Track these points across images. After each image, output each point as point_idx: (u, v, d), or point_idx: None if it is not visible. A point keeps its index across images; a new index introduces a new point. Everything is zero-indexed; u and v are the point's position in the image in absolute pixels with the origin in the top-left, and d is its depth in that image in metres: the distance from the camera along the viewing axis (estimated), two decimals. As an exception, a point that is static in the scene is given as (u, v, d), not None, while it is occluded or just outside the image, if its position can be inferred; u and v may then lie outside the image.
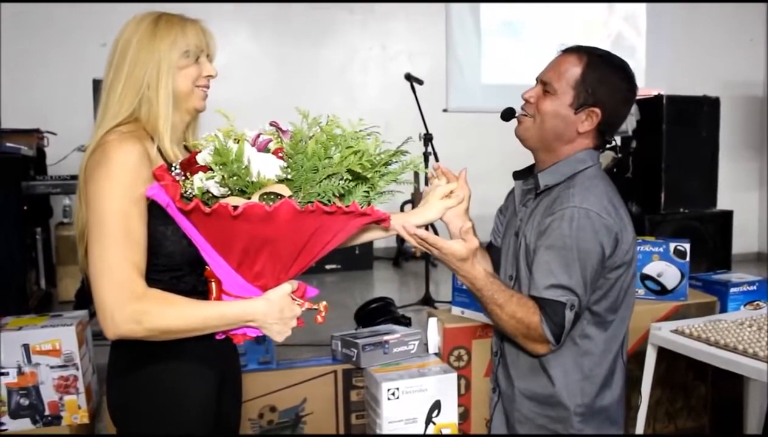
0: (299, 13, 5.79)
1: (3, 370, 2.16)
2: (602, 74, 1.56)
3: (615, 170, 4.57)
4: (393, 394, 1.96)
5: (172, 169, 1.23)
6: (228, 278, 1.24)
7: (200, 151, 1.21)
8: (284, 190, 1.15)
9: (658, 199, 4.44)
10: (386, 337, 2.21)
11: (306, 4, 5.77)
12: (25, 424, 2.20)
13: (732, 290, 2.47)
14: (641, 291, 2.50)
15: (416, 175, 3.98)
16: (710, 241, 4.51)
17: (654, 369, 2.08)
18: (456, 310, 2.44)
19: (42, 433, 2.21)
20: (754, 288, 2.50)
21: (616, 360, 1.61)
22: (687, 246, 2.48)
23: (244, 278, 1.24)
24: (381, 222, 1.32)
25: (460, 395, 2.22)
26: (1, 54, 4.87)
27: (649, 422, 2.27)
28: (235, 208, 1.12)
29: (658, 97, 4.46)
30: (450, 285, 2.48)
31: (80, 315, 2.36)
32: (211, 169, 1.18)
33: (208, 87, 1.39)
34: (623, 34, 6.59)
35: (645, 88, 4.90)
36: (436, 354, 2.31)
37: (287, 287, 1.26)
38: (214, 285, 1.26)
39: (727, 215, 4.64)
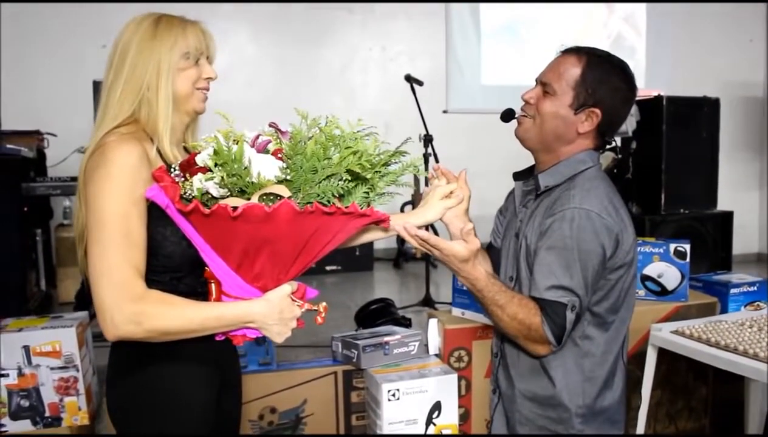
0: (299, 14, 5.79)
1: (3, 372, 2.16)
2: (602, 74, 1.56)
3: (615, 171, 4.57)
4: (393, 395, 1.96)
5: (172, 170, 1.23)
6: (227, 279, 1.24)
7: (199, 153, 1.21)
8: (283, 191, 1.15)
9: (658, 199, 4.44)
10: (386, 338, 2.21)
11: (306, 4, 5.78)
12: (25, 425, 2.19)
13: (732, 291, 2.47)
14: (641, 292, 2.50)
15: (416, 176, 3.98)
16: (710, 242, 4.51)
17: (654, 370, 2.08)
18: (456, 311, 2.43)
19: (42, 434, 2.21)
20: (755, 288, 2.50)
21: (617, 361, 1.60)
22: (687, 247, 2.48)
23: (243, 279, 1.24)
24: (381, 222, 1.32)
25: (460, 396, 2.22)
26: (2, 55, 4.87)
27: (649, 423, 2.27)
28: (235, 208, 1.12)
29: (658, 98, 4.46)
30: (450, 286, 2.47)
31: (80, 316, 2.35)
32: (211, 170, 1.18)
33: (207, 89, 1.39)
34: (623, 34, 6.59)
35: (645, 89, 4.92)
36: (436, 355, 2.31)
37: (287, 288, 1.26)
38: (213, 286, 1.26)
39: (728, 216, 4.64)
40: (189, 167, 1.21)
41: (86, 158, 1.27)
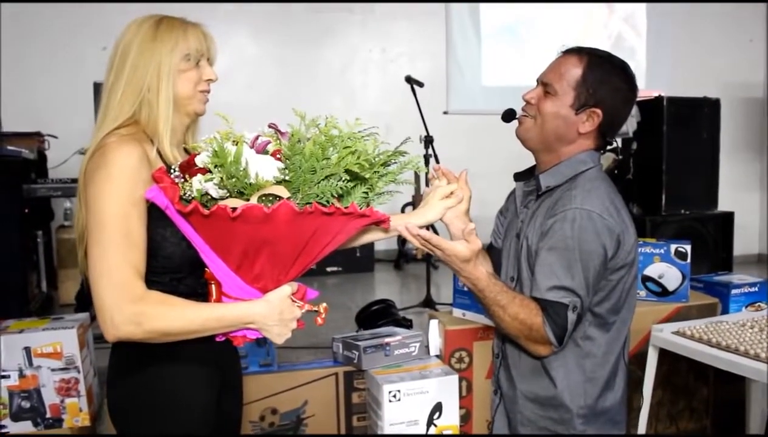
0: (299, 15, 5.80)
1: (4, 373, 2.16)
2: (603, 75, 1.56)
3: (616, 172, 4.57)
4: (394, 396, 1.96)
5: (172, 171, 1.23)
6: (227, 280, 1.24)
7: (199, 154, 1.21)
8: (282, 192, 1.16)
9: (659, 200, 4.43)
10: (387, 339, 2.22)
11: (306, 5, 5.78)
12: (26, 427, 2.20)
13: (733, 291, 2.47)
14: (642, 293, 2.50)
15: (417, 176, 3.98)
16: (711, 243, 4.50)
17: (655, 371, 2.08)
18: (457, 312, 2.44)
19: (43, 435, 2.21)
20: (756, 289, 2.50)
21: (618, 362, 1.60)
22: (688, 247, 2.48)
23: (243, 280, 1.24)
24: (381, 223, 1.32)
25: (461, 397, 2.22)
26: (3, 56, 4.87)
27: (650, 423, 2.27)
28: (234, 209, 1.12)
29: (659, 99, 4.46)
30: (451, 287, 2.48)
31: (81, 318, 2.36)
32: (210, 171, 1.18)
33: (208, 91, 1.40)
34: (623, 35, 6.59)
35: (645, 90, 4.91)
36: (437, 356, 2.31)
37: (287, 289, 1.26)
38: (213, 287, 1.26)
39: (728, 216, 4.63)
40: (189, 168, 1.22)
41: (86, 159, 1.27)
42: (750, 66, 6.66)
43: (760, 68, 6.72)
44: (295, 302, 1.28)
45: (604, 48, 1.64)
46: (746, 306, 2.47)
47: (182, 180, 1.21)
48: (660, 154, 4.41)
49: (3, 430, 2.17)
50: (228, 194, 1.18)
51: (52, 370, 2.19)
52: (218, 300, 1.26)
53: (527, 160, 1.73)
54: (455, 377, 2.07)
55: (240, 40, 5.69)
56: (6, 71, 4.85)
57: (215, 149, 1.18)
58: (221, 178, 1.17)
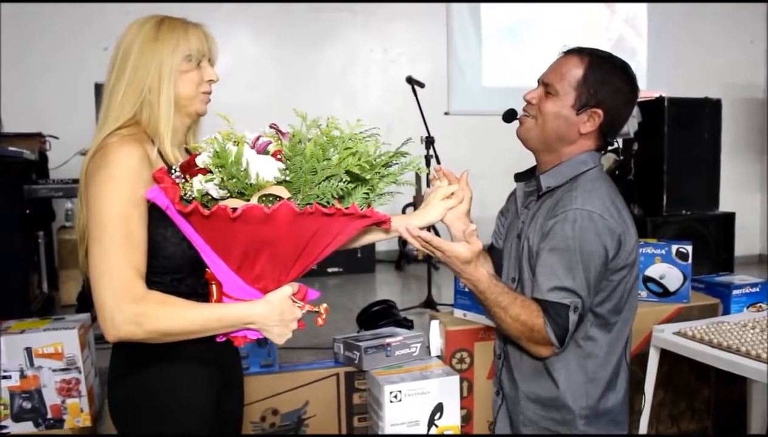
0: (300, 16, 5.80)
1: (5, 373, 2.16)
2: (604, 75, 1.56)
3: (617, 172, 4.56)
4: (395, 397, 1.96)
5: (172, 171, 1.23)
6: (228, 280, 1.24)
7: (200, 154, 1.22)
8: (283, 192, 1.16)
9: (660, 201, 4.43)
10: (388, 340, 2.22)
11: (307, 6, 5.78)
12: (27, 427, 2.20)
13: (734, 292, 2.47)
14: (643, 294, 2.50)
15: (418, 177, 3.98)
16: (712, 243, 4.50)
17: (657, 372, 2.08)
18: (458, 313, 2.44)
19: (44, 436, 2.21)
20: (757, 290, 2.50)
21: (620, 362, 1.60)
22: (689, 248, 2.48)
23: (244, 280, 1.24)
24: (381, 224, 1.32)
25: (462, 398, 2.22)
26: (3, 57, 4.88)
27: (652, 424, 2.27)
28: (234, 209, 1.12)
29: (660, 99, 4.46)
30: (452, 288, 2.48)
31: (82, 318, 2.36)
32: (211, 172, 1.18)
33: (210, 91, 1.40)
34: (624, 36, 6.59)
35: (646, 90, 4.91)
36: (438, 356, 2.32)
37: (288, 289, 1.26)
38: (214, 287, 1.26)
39: (730, 217, 4.63)
40: (189, 168, 1.22)
41: (87, 160, 1.28)
42: (751, 66, 6.66)
43: (760, 69, 6.72)
44: (296, 302, 1.28)
45: (605, 49, 1.64)
46: (747, 307, 2.47)
47: (183, 180, 1.21)
48: (661, 155, 4.41)
49: (4, 431, 2.17)
50: (228, 194, 1.18)
51: (54, 371, 2.19)
52: (219, 300, 1.26)
53: (528, 161, 1.73)
54: (456, 377, 2.07)
55: (241, 40, 5.69)
56: (7, 72, 4.86)
57: (216, 149, 1.18)
58: (222, 179, 1.17)
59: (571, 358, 1.55)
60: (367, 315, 3.48)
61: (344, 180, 1.21)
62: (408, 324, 3.44)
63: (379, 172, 1.29)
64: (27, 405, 2.19)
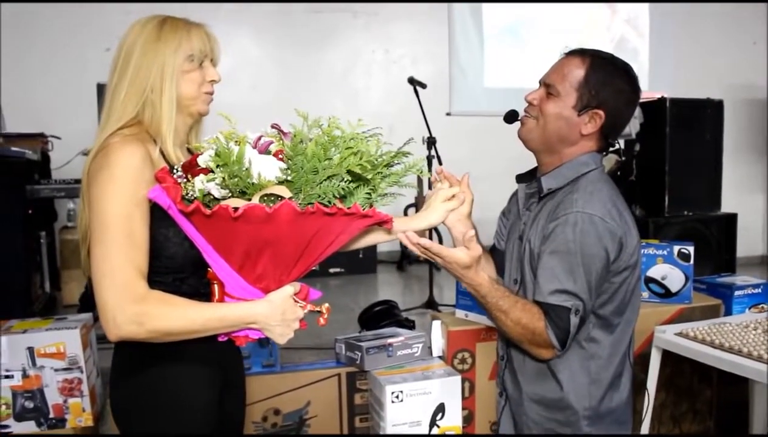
0: (302, 17, 5.80)
1: (8, 373, 2.16)
2: (605, 76, 1.55)
3: (619, 173, 4.56)
4: (397, 397, 1.96)
5: (174, 171, 1.23)
6: (230, 280, 1.24)
7: (202, 154, 1.22)
8: (284, 192, 1.16)
9: (661, 202, 4.42)
10: (390, 340, 2.22)
11: (309, 7, 5.79)
12: (29, 427, 2.20)
13: (736, 293, 2.47)
14: (645, 295, 2.50)
15: (419, 179, 3.98)
16: (714, 244, 4.49)
17: (659, 373, 2.08)
18: (460, 313, 2.44)
19: (46, 435, 2.21)
20: (759, 291, 2.50)
21: (624, 363, 1.60)
22: (691, 249, 2.48)
23: (246, 280, 1.24)
24: (383, 224, 1.32)
25: (464, 398, 2.22)
26: (5, 58, 4.89)
27: (653, 425, 2.27)
28: (236, 209, 1.13)
29: (662, 100, 4.45)
30: (454, 288, 2.48)
31: (85, 318, 2.36)
32: (212, 171, 1.19)
33: (212, 92, 1.40)
34: (626, 37, 6.59)
35: (648, 91, 4.90)
36: (440, 357, 2.32)
37: (289, 289, 1.26)
38: (216, 287, 1.27)
39: (732, 218, 4.62)
40: (191, 168, 1.22)
41: (90, 159, 1.28)
42: (753, 67, 6.65)
43: (763, 70, 6.71)
44: (298, 302, 1.28)
45: (606, 50, 1.64)
46: (749, 308, 2.47)
47: (185, 180, 1.21)
48: (663, 156, 4.40)
49: (6, 430, 2.18)
50: (230, 194, 1.18)
51: (56, 370, 2.20)
52: (221, 300, 1.27)
53: (529, 162, 1.73)
54: (458, 378, 2.07)
55: (242, 41, 5.70)
56: (9, 72, 4.86)
57: (218, 149, 1.18)
58: (223, 178, 1.17)
59: (574, 359, 1.55)
60: (368, 316, 3.48)
61: (345, 179, 1.21)
62: (410, 325, 3.43)
63: (380, 172, 1.29)
64: (29, 404, 2.19)
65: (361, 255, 5.53)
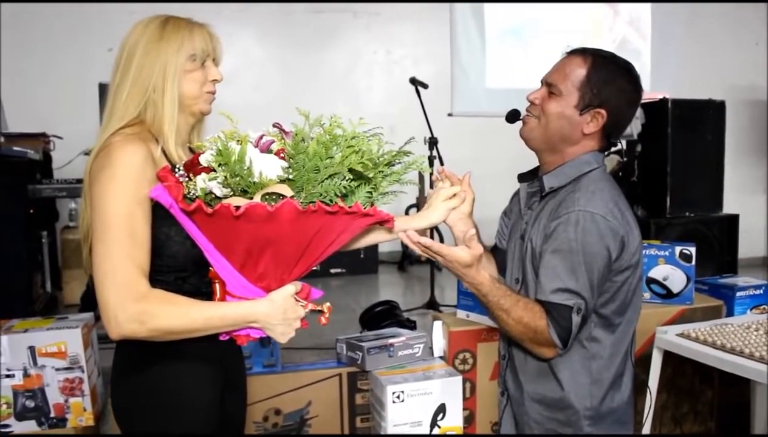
0: (304, 17, 5.81)
1: (9, 372, 2.16)
2: (607, 75, 1.56)
3: (620, 174, 4.55)
4: (398, 397, 1.96)
5: (176, 170, 1.23)
6: (231, 279, 1.24)
7: (203, 153, 1.22)
8: (286, 190, 1.16)
9: (663, 202, 4.42)
10: (391, 340, 2.22)
11: (310, 7, 5.79)
12: (30, 426, 2.20)
13: (738, 294, 2.46)
14: (647, 295, 2.49)
15: (421, 178, 3.98)
16: (716, 245, 4.48)
17: (660, 374, 2.08)
18: (461, 314, 2.44)
19: (47, 435, 2.21)
20: (760, 292, 2.49)
21: (625, 362, 1.60)
22: (693, 249, 2.48)
23: (247, 279, 1.24)
24: (384, 222, 1.32)
25: (465, 398, 2.22)
26: (8, 58, 4.89)
27: (655, 426, 2.27)
28: (237, 208, 1.13)
29: (664, 101, 4.44)
30: (455, 289, 2.47)
31: (86, 317, 2.36)
32: (214, 170, 1.19)
33: (214, 91, 1.40)
34: (628, 38, 6.58)
35: (650, 92, 4.89)
36: (441, 357, 2.31)
37: (291, 288, 1.26)
38: (218, 286, 1.27)
39: (733, 219, 4.61)
40: (193, 167, 1.22)
41: (92, 159, 1.28)
42: (755, 68, 6.64)
43: (765, 71, 6.70)
44: (299, 301, 1.28)
45: (609, 50, 1.64)
46: (751, 309, 2.46)
47: (186, 179, 1.22)
48: (665, 157, 4.39)
49: (7, 429, 2.18)
50: (232, 193, 1.18)
51: (57, 370, 2.20)
52: (222, 299, 1.27)
53: (531, 162, 1.73)
54: (459, 378, 2.07)
55: (244, 42, 5.70)
56: (11, 72, 4.87)
57: (219, 148, 1.18)
58: (225, 177, 1.17)
59: (575, 359, 1.55)
60: (370, 316, 3.48)
61: (347, 178, 1.21)
62: (411, 325, 3.43)
63: (382, 171, 1.29)
64: (30, 403, 2.19)
65: (362, 256, 5.53)
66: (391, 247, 5.91)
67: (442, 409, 2.02)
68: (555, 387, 1.57)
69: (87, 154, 1.37)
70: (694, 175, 4.47)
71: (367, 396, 2.30)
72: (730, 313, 2.45)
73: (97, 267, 1.21)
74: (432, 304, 4.31)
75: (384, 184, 1.30)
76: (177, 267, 1.29)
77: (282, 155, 1.21)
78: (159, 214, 1.24)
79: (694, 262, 2.47)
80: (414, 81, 4.39)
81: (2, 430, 2.17)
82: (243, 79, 5.48)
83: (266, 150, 1.21)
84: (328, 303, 1.33)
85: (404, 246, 6.19)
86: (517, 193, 1.77)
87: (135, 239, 1.21)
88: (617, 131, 1.63)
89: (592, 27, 6.49)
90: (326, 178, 1.19)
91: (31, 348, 2.17)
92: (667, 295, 2.50)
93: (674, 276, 2.49)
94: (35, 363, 2.18)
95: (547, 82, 1.60)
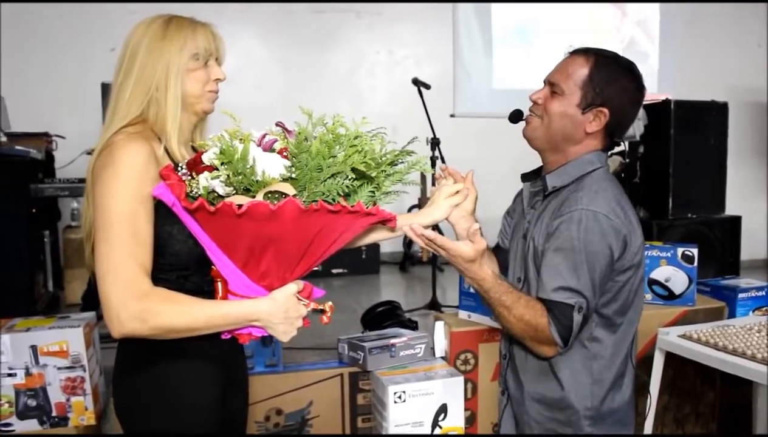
0: (307, 18, 5.81)
1: (11, 371, 2.17)
2: (609, 74, 1.56)
3: (623, 175, 4.55)
4: (399, 397, 1.96)
5: (179, 168, 1.23)
6: (234, 278, 1.24)
7: (206, 151, 1.22)
8: (288, 189, 1.16)
9: (665, 204, 4.41)
10: (393, 340, 2.22)
11: (312, 7, 5.79)
12: (32, 425, 2.20)
13: (740, 296, 2.46)
14: (649, 296, 2.49)
15: (423, 178, 3.98)
16: (718, 247, 4.48)
17: (662, 375, 2.07)
18: (463, 314, 2.43)
19: (49, 434, 2.21)
20: (763, 293, 2.49)
21: (626, 363, 1.60)
22: (695, 251, 2.47)
23: (249, 278, 1.24)
24: (387, 222, 1.32)
25: (466, 399, 2.22)
26: (10, 57, 4.90)
27: (656, 428, 2.26)
28: (240, 206, 1.13)
29: (666, 102, 4.44)
30: (457, 289, 2.47)
31: (88, 317, 2.36)
32: (217, 169, 1.19)
33: (217, 90, 1.40)
34: (635, 39, 6.56)
35: (654, 93, 4.89)
36: (442, 357, 2.31)
37: (293, 287, 1.26)
38: (220, 284, 1.27)
39: (736, 221, 4.61)
40: (195, 166, 1.22)
41: (94, 157, 1.28)
42: (758, 70, 6.63)
43: (767, 73, 6.70)
44: (301, 300, 1.28)
45: (612, 50, 1.64)
46: (753, 311, 2.46)
47: (189, 177, 1.22)
48: (667, 158, 4.39)
49: (9, 428, 2.18)
50: (234, 191, 1.18)
51: (59, 369, 2.20)
52: (224, 297, 1.27)
53: (534, 163, 1.73)
54: (460, 379, 2.07)
55: (247, 42, 5.71)
56: (13, 71, 4.88)
57: (222, 147, 1.18)
58: (228, 176, 1.17)
59: (576, 359, 1.55)
60: (371, 316, 3.48)
61: (350, 177, 1.21)
62: (412, 325, 3.44)
63: (384, 170, 1.29)
64: (32, 403, 2.19)
65: (364, 256, 5.54)
66: (393, 248, 5.92)
67: (443, 410, 2.02)
68: (555, 387, 1.57)
69: (89, 153, 1.38)
70: (697, 176, 4.47)
71: (369, 396, 2.30)
72: (732, 315, 2.45)
73: (99, 265, 1.21)
74: (434, 305, 4.31)
75: (386, 184, 1.30)
76: (179, 266, 1.29)
77: (285, 154, 1.21)
78: (161, 212, 1.24)
79: (696, 264, 2.46)
80: (416, 81, 4.39)
81: (4, 429, 2.17)
82: (245, 79, 5.48)
83: (269, 148, 1.21)
84: (330, 303, 1.33)
85: (406, 246, 6.20)
86: (520, 193, 1.77)
87: (137, 237, 1.21)
88: (620, 130, 1.63)
89: (600, 28, 6.46)
90: (329, 177, 1.19)
91: (33, 348, 2.18)
92: (669, 297, 2.49)
93: (676, 278, 2.48)
94: (37, 362, 2.18)
95: (549, 82, 1.60)
